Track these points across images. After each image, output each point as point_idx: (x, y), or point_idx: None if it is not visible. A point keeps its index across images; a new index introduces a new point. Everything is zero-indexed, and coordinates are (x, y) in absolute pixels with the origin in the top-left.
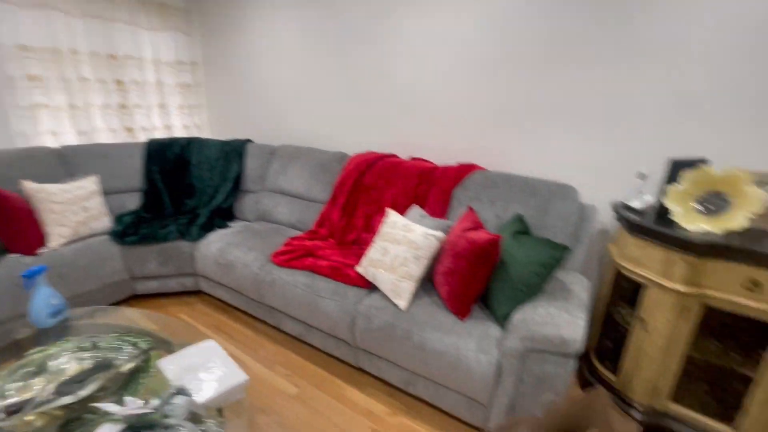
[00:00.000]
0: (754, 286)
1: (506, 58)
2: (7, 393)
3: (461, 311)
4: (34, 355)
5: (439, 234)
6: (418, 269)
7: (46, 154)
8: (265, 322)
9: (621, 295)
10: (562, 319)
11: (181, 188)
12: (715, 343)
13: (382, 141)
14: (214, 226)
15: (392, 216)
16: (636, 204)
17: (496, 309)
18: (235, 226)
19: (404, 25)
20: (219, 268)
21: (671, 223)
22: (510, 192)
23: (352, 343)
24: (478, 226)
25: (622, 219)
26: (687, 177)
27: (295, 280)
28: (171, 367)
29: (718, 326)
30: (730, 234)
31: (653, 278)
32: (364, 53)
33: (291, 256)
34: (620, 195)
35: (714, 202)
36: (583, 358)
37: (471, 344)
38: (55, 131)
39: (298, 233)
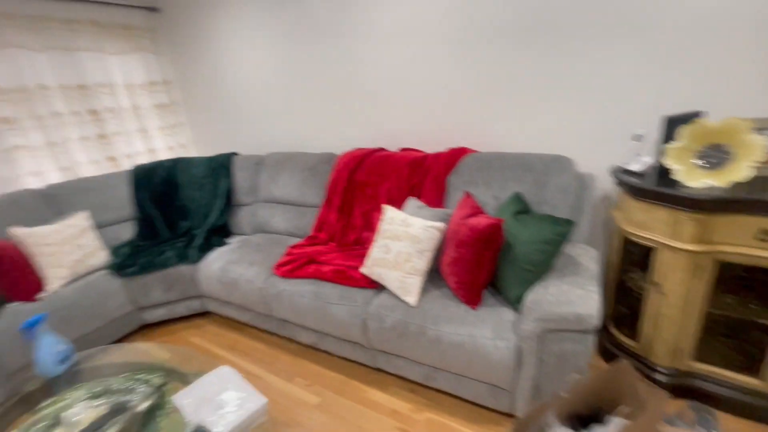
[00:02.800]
0: (766, 236)
1: (482, 34)
2: None
3: (472, 300)
4: (46, 408)
5: (440, 224)
6: (423, 263)
7: (30, 196)
8: (277, 335)
9: (631, 261)
10: (575, 294)
11: (173, 211)
12: (732, 296)
13: (369, 135)
14: (212, 246)
15: (389, 212)
16: (635, 167)
17: (508, 293)
18: (233, 242)
19: (372, 12)
20: (223, 287)
21: (674, 183)
22: (505, 171)
23: (367, 345)
24: (477, 211)
25: (622, 184)
26: (684, 133)
27: (301, 289)
28: (187, 401)
29: (734, 280)
30: (736, 186)
31: (662, 240)
32: (336, 48)
33: (293, 266)
34: (618, 159)
35: (715, 155)
36: (601, 328)
37: (486, 332)
38: (37, 171)
39: (297, 240)
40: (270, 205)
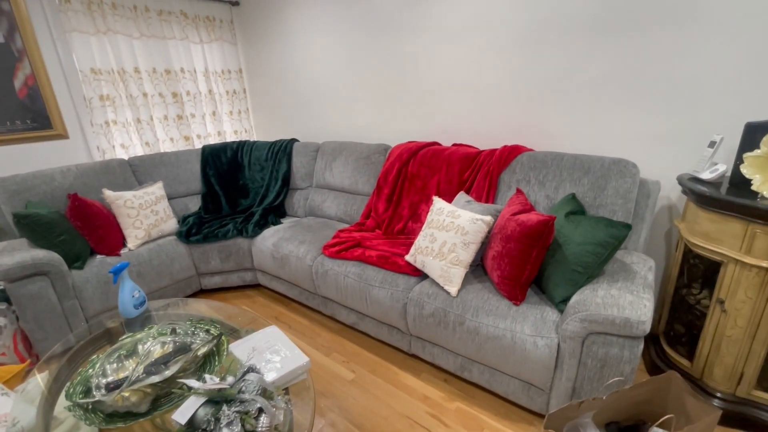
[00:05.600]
0: None
1: (548, 30)
2: (107, 373)
3: (514, 296)
4: (126, 340)
5: (487, 218)
6: (467, 255)
7: (119, 164)
8: (320, 312)
9: (692, 275)
10: (626, 300)
11: (235, 189)
12: None
13: (424, 129)
14: (268, 223)
15: (438, 203)
16: (706, 175)
17: (553, 292)
18: (286, 222)
19: (436, 9)
20: (274, 262)
21: (750, 194)
22: (561, 171)
23: (404, 330)
24: (527, 208)
25: (690, 192)
26: (766, 141)
27: (346, 270)
28: (240, 349)
29: None
30: None
31: (731, 254)
32: (398, 43)
33: (341, 248)
34: (688, 167)
35: None
36: (652, 343)
37: (527, 328)
38: (125, 144)
39: (345, 226)
40: (323, 190)
